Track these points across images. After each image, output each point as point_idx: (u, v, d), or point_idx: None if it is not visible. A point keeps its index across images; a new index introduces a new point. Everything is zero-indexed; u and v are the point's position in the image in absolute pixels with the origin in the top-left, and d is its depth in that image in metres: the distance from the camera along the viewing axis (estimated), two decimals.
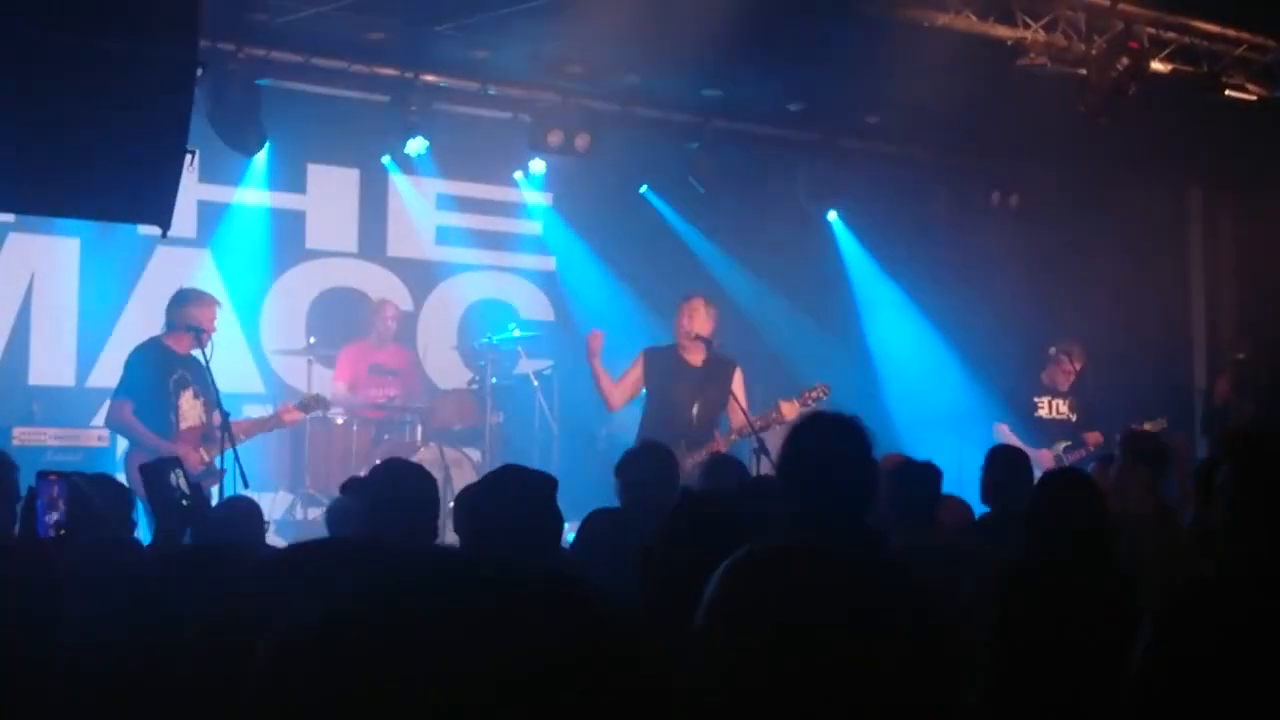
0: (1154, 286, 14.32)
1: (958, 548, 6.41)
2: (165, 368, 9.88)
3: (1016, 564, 4.87)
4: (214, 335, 10.00)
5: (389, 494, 4.99)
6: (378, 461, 7.59)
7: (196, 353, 9.82)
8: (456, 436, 11.90)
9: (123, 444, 10.34)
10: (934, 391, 14.03)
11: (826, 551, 2.88)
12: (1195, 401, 14.82)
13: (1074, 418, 12.15)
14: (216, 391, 9.63)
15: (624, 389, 10.45)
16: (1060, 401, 12.18)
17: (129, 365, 10.00)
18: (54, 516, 4.87)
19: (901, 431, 12.53)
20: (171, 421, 9.80)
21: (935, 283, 14.60)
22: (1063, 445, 11.62)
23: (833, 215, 14.78)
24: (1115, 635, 3.75)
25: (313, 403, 10.72)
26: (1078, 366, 12.26)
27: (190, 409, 9.89)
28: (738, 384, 10.44)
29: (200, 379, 9.88)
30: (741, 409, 10.25)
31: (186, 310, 9.98)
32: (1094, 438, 11.82)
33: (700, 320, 10.43)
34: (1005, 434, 11.87)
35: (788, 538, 3.71)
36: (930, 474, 6.88)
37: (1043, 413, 12.14)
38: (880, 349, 14.60)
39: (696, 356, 10.43)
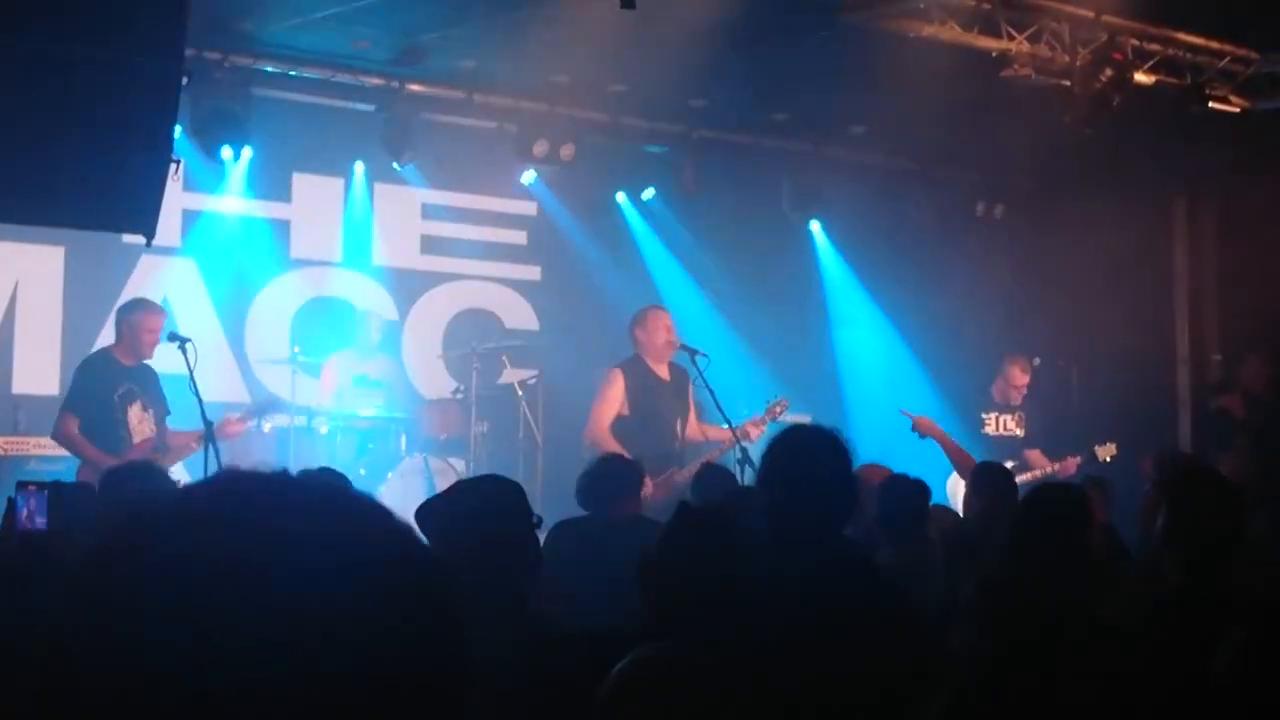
0: (1137, 297, 14.34)
1: (945, 563, 6.42)
2: (111, 381, 9.84)
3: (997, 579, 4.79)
4: (154, 344, 10.00)
5: None
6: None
7: (148, 363, 9.98)
8: (441, 446, 11.88)
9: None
10: (906, 403, 14.01)
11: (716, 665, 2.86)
12: (1179, 411, 14.84)
13: (1020, 433, 12.09)
14: (200, 400, 9.58)
15: (611, 410, 10.32)
16: (1008, 417, 12.09)
17: (75, 378, 10.02)
18: (35, 525, 4.83)
19: (871, 445, 12.50)
20: (122, 437, 9.73)
21: (919, 293, 14.62)
22: (1009, 465, 11.36)
23: (815, 226, 14.81)
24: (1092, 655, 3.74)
25: (269, 405, 10.63)
26: (1026, 380, 12.20)
27: (140, 422, 9.83)
28: (690, 394, 10.47)
29: (149, 390, 9.91)
30: (690, 423, 10.33)
31: (128, 319, 10.02)
32: (1033, 456, 11.73)
33: (673, 330, 10.45)
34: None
35: (678, 647, 3.67)
36: (920, 491, 6.91)
37: (989, 429, 12.02)
38: (859, 360, 14.61)
39: (665, 370, 10.43)
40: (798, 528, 4.24)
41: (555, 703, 3.73)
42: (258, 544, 1.14)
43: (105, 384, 9.84)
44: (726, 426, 9.93)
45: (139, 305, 10.22)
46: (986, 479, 7.74)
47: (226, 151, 11.65)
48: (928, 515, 6.99)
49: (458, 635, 1.22)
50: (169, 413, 10.21)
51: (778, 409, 10.46)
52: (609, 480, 6.91)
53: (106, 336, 11.76)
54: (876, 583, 4.33)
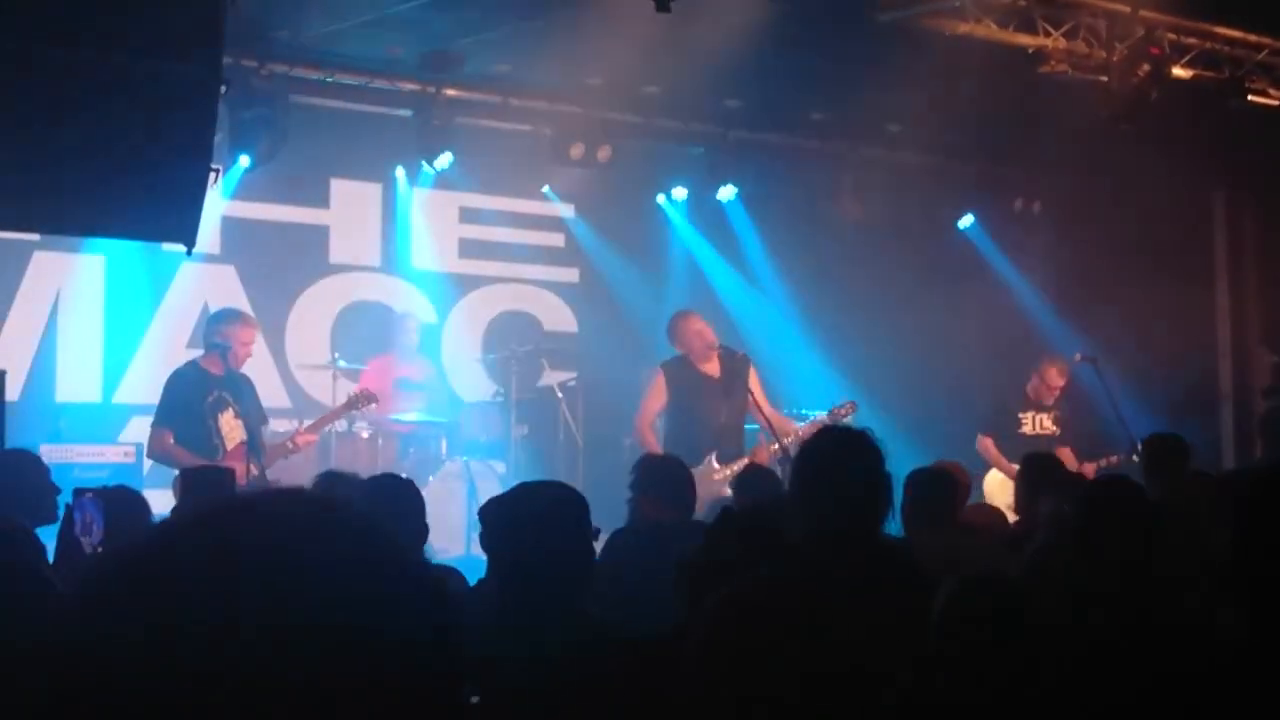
0: (1178, 291, 14.26)
1: (977, 549, 6.44)
2: (200, 391, 9.79)
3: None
4: (250, 356, 10.06)
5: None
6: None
7: (243, 370, 9.97)
8: (482, 449, 11.91)
9: (149, 461, 10.38)
10: (951, 401, 13.95)
11: (817, 589, 2.86)
12: (1221, 405, 14.77)
13: (1057, 431, 12.04)
14: (260, 407, 9.91)
15: (654, 408, 10.39)
16: (1044, 416, 12.04)
17: (164, 392, 9.96)
18: (92, 534, 4.82)
19: (924, 443, 12.47)
20: (216, 445, 9.67)
21: (957, 291, 14.57)
22: None
23: (855, 223, 14.76)
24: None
25: (362, 399, 10.67)
26: (1063, 383, 12.15)
27: (232, 428, 9.77)
28: (754, 382, 10.45)
29: (240, 397, 9.86)
30: (762, 408, 10.26)
31: (218, 329, 9.98)
32: (1063, 454, 11.68)
33: (710, 331, 10.48)
34: (988, 449, 11.81)
35: (773, 572, 3.69)
36: (949, 478, 6.93)
37: (1026, 429, 11.97)
38: (900, 359, 14.55)
39: (713, 367, 10.44)
40: (831, 529, 4.24)
41: (606, 706, 3.74)
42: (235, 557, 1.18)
43: (194, 394, 9.78)
44: (781, 422, 9.97)
45: (232, 318, 10.15)
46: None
47: (263, 158, 11.69)
48: (955, 505, 7.00)
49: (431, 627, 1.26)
50: (266, 420, 10.31)
51: (842, 411, 10.42)
52: (662, 486, 6.92)
53: (149, 344, 11.88)
54: (914, 581, 4.31)
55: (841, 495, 4.22)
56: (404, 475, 10.92)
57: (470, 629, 4.08)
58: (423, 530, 5.27)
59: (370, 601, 1.18)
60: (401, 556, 1.25)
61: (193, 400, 9.78)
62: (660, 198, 14.23)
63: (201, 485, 6.05)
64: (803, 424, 10.24)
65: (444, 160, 12.36)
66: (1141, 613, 4.07)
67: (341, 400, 10.96)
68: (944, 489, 6.90)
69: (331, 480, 6.33)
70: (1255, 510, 3.29)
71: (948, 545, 6.33)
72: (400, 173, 13.10)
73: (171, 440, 9.74)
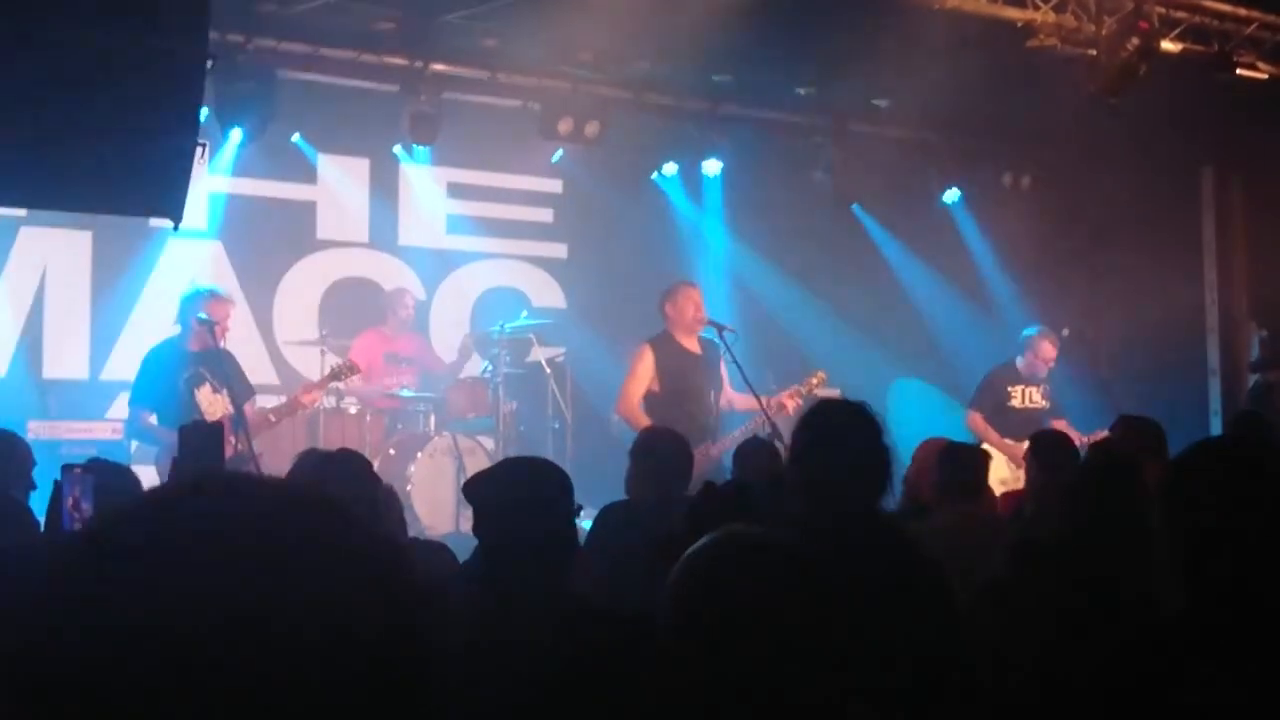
0: (1166, 266, 14.27)
1: (1000, 522, 6.48)
2: (177, 368, 9.86)
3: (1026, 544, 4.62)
4: (228, 331, 10.05)
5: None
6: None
7: (220, 347, 9.93)
8: (470, 425, 11.89)
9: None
10: (940, 374, 13.97)
11: (797, 548, 2.83)
12: (1209, 381, 14.78)
13: (1046, 405, 12.05)
14: (245, 381, 9.91)
15: (641, 386, 10.28)
16: (1034, 390, 12.04)
17: (140, 371, 10.03)
18: (82, 511, 4.78)
19: (916, 419, 12.47)
20: (197, 421, 9.71)
21: (945, 266, 14.57)
22: None
23: (853, 204, 14.73)
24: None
25: (345, 370, 10.66)
26: (1054, 355, 12.15)
27: (211, 403, 9.83)
28: (722, 365, 10.40)
29: (219, 372, 9.88)
30: (727, 388, 10.26)
31: (193, 307, 10.01)
32: (1060, 427, 11.69)
33: (703, 307, 10.39)
34: (978, 424, 11.81)
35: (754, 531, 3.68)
36: (979, 455, 6.99)
37: (1015, 402, 11.97)
38: (888, 333, 14.56)
39: (694, 344, 10.38)
40: (831, 505, 4.23)
41: (593, 683, 3.73)
42: (214, 537, 1.17)
43: (170, 371, 9.85)
44: (755, 401, 9.90)
45: (205, 296, 10.14)
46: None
47: (251, 134, 11.66)
48: (985, 479, 7.04)
49: (409, 623, 1.24)
50: (252, 393, 10.32)
51: (814, 381, 10.41)
52: (666, 463, 6.85)
53: (137, 321, 11.86)
54: (912, 559, 4.31)
55: (841, 468, 4.21)
56: (391, 451, 11.12)
57: (457, 607, 4.07)
58: (371, 508, 5.18)
59: (327, 593, 1.17)
60: (377, 550, 1.24)
61: (169, 377, 9.83)
62: (664, 169, 14.15)
63: (195, 440, 6.01)
64: (772, 396, 10.15)
65: (431, 135, 12.33)
66: (1125, 582, 4.06)
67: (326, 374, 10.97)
68: (980, 466, 6.96)
69: (305, 459, 6.29)
70: (1180, 474, 3.26)
71: (981, 521, 6.37)
72: (387, 148, 13.06)
73: (154, 419, 9.76)
